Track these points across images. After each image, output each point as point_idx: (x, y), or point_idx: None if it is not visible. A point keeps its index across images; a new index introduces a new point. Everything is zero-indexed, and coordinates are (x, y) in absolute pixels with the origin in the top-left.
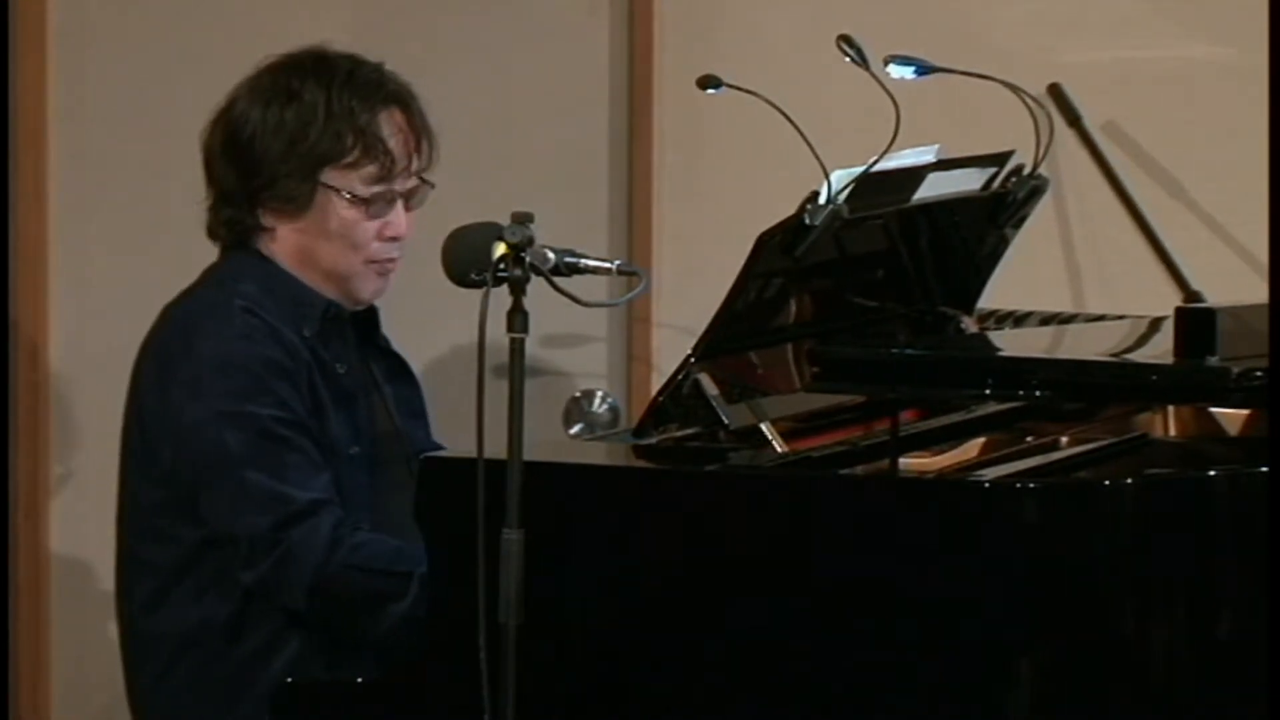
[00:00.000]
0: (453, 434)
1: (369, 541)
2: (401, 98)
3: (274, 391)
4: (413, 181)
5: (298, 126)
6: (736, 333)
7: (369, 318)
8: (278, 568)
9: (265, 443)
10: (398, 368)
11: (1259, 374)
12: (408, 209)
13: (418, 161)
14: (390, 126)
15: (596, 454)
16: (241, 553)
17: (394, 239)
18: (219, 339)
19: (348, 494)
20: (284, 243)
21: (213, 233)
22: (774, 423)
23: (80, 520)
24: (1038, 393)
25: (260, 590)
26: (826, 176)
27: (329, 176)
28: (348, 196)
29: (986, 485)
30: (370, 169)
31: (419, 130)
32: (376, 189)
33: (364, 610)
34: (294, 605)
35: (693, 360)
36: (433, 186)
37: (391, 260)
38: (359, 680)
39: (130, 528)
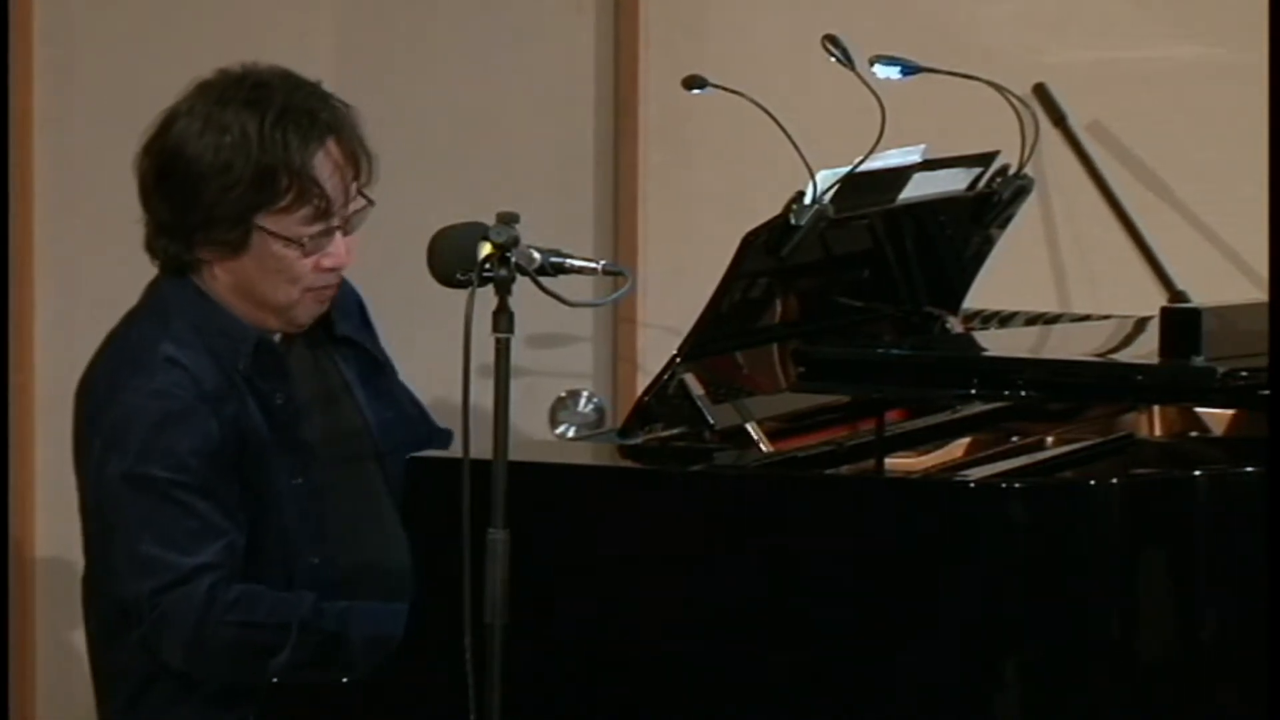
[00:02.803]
0: None
1: (246, 595)
2: (335, 127)
3: (173, 450)
4: (351, 208)
5: (229, 168)
6: (722, 333)
7: (319, 321)
8: (155, 630)
9: (163, 506)
10: (368, 362)
11: (1244, 374)
12: (346, 233)
13: (355, 188)
14: (327, 164)
15: (582, 454)
16: (126, 616)
17: (332, 269)
18: (136, 393)
19: (290, 527)
20: (221, 278)
21: (151, 251)
22: (759, 423)
23: (66, 523)
24: (1023, 393)
25: (146, 649)
26: (812, 176)
27: (264, 220)
28: (284, 239)
29: (972, 485)
30: (306, 210)
31: (356, 156)
32: (314, 229)
33: (244, 664)
34: (175, 665)
35: (678, 360)
36: (373, 204)
37: (330, 287)
38: (345, 681)
39: (86, 556)
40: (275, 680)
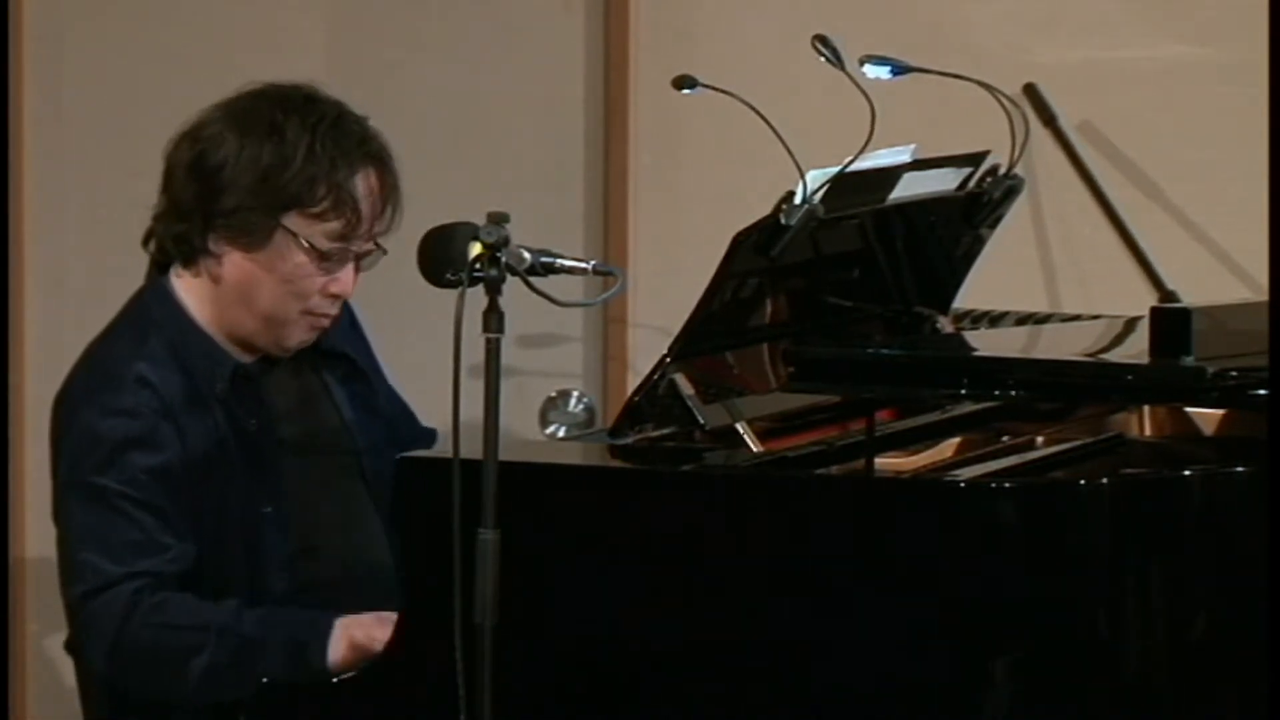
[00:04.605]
0: None
1: (169, 599)
2: (381, 159)
3: (131, 466)
4: (370, 245)
5: (273, 163)
6: (712, 333)
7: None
8: (82, 634)
9: (109, 517)
10: (351, 370)
11: (1234, 374)
12: (358, 270)
13: (380, 225)
14: (365, 187)
15: (572, 454)
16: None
17: (336, 296)
18: (103, 410)
19: (257, 553)
20: (229, 270)
21: (148, 242)
22: (749, 423)
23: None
24: (1013, 392)
25: (81, 655)
26: (802, 176)
27: (292, 221)
28: (306, 245)
29: (962, 485)
30: (335, 224)
31: (389, 194)
32: (336, 245)
33: (166, 668)
34: (100, 670)
35: (668, 360)
36: (385, 252)
37: (327, 315)
38: (334, 681)
39: (59, 564)
40: (199, 685)
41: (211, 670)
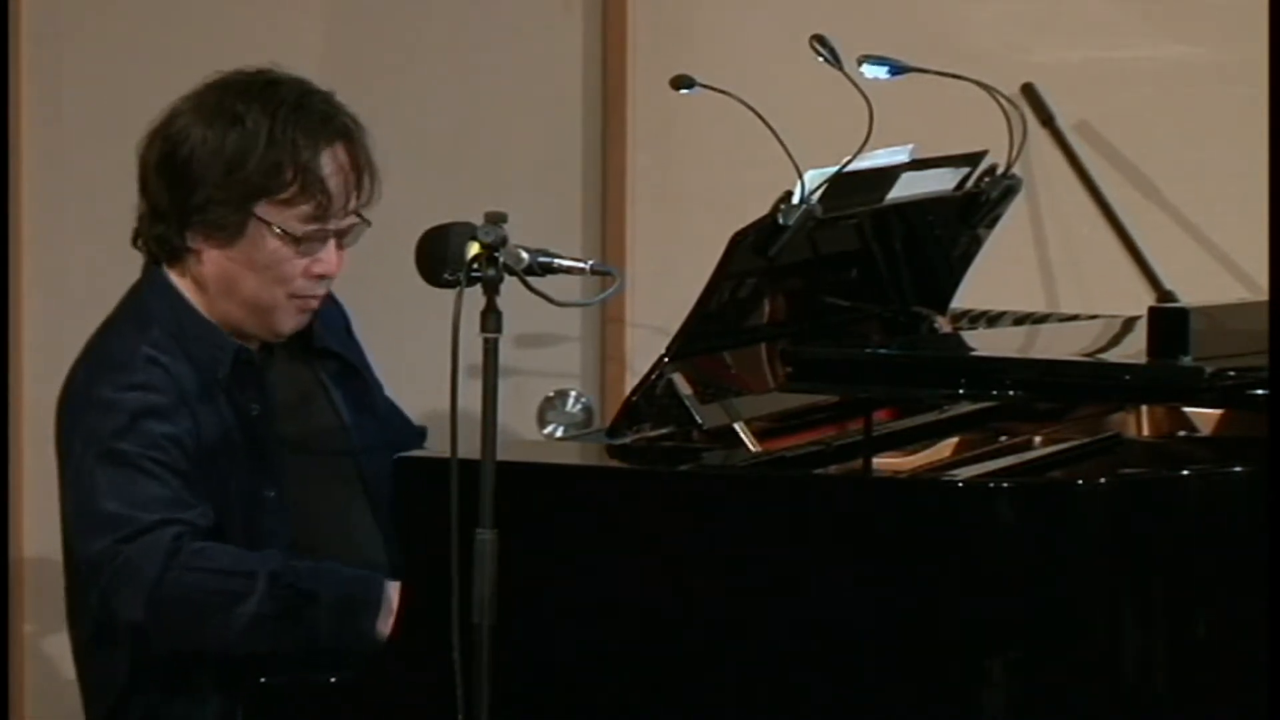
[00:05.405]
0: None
1: (211, 547)
2: (347, 133)
3: (150, 433)
4: (349, 220)
5: (237, 154)
6: (710, 333)
7: (300, 333)
8: (115, 579)
9: (134, 475)
10: (346, 369)
11: (1232, 374)
12: (340, 247)
13: (356, 200)
14: (332, 165)
15: (570, 454)
16: (86, 576)
17: (321, 277)
18: (114, 387)
19: (260, 538)
20: (209, 267)
21: (137, 242)
22: (747, 423)
23: (53, 521)
24: (1011, 392)
25: (103, 608)
26: (800, 176)
27: (263, 210)
28: (280, 232)
29: (960, 485)
30: (306, 207)
31: (361, 167)
32: (310, 227)
33: (210, 614)
34: (133, 618)
35: (666, 360)
36: (369, 224)
37: (315, 297)
38: (332, 681)
39: (66, 564)
40: (240, 632)
41: (258, 619)
